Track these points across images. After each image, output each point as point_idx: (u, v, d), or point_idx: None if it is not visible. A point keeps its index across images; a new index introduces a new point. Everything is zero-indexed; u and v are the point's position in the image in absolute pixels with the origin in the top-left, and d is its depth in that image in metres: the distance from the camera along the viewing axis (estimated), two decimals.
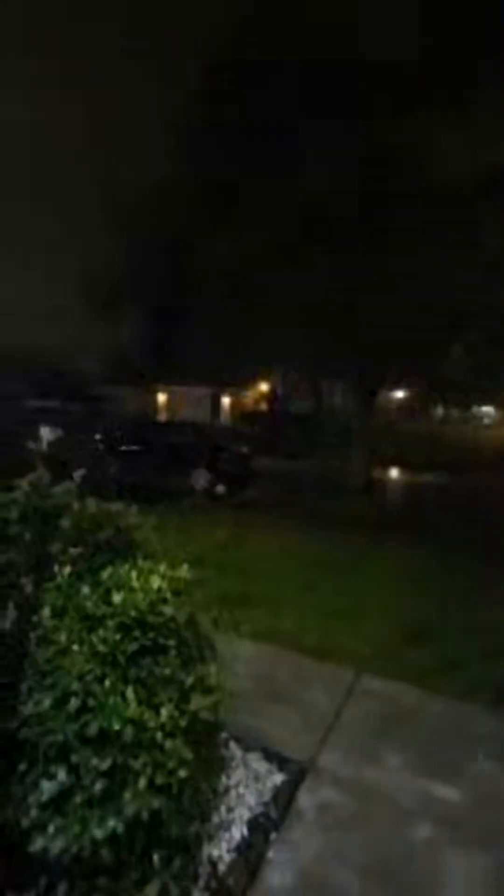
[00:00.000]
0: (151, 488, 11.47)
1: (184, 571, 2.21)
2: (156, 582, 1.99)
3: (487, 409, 53.21)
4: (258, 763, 2.51)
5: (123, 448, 13.19)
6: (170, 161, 13.19)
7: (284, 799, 2.30)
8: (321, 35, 8.79)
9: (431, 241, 8.67)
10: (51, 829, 1.47)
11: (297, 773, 2.47)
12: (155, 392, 30.35)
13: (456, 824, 2.20)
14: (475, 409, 51.26)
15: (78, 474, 2.83)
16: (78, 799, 1.47)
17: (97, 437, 13.94)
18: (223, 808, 2.18)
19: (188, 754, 1.58)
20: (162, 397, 30.90)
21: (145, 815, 1.48)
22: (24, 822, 1.48)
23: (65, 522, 2.46)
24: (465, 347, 12.52)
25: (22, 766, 1.55)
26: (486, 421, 52.78)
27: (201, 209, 11.55)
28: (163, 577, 2.08)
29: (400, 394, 33.48)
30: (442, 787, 2.40)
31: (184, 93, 12.17)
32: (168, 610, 1.91)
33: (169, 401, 30.63)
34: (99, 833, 1.45)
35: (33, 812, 1.48)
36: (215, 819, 2.12)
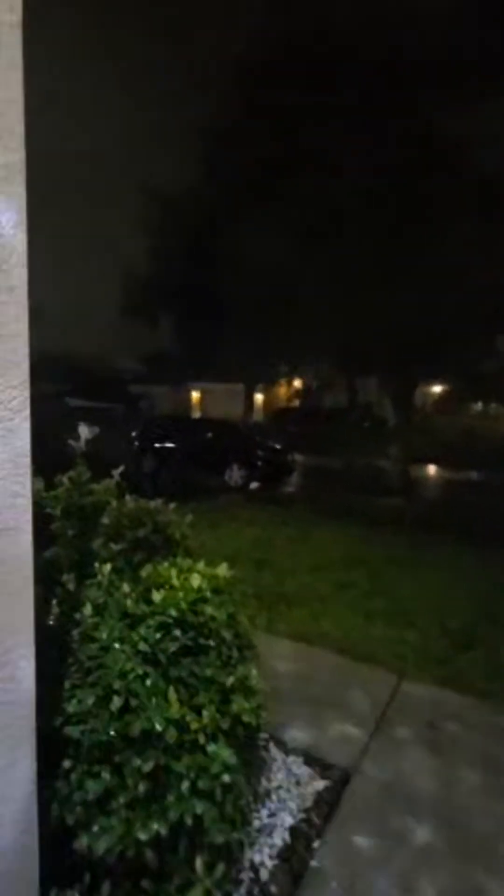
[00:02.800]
0: (187, 484, 11.60)
1: (223, 570, 2.17)
2: (196, 580, 1.96)
3: None
4: (299, 767, 2.45)
5: (159, 445, 13.38)
6: (202, 165, 13.27)
7: (326, 806, 2.24)
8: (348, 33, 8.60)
9: (470, 237, 8.34)
10: (95, 828, 1.46)
11: (340, 779, 2.40)
12: (189, 390, 30.68)
13: None
14: None
15: (117, 472, 2.82)
16: (121, 800, 1.45)
17: (134, 434, 14.19)
18: (265, 813, 2.14)
19: (232, 759, 1.54)
20: (196, 395, 31.20)
21: (188, 820, 1.45)
22: (70, 820, 1.48)
23: (105, 519, 2.47)
24: (498, 341, 12.04)
25: (66, 764, 1.54)
26: None
27: (235, 210, 11.54)
28: (203, 575, 2.04)
29: (437, 388, 32.58)
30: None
31: (214, 97, 12.23)
32: (208, 609, 1.88)
33: (203, 398, 30.88)
34: (143, 835, 1.43)
35: (78, 810, 1.48)
36: (256, 823, 2.08)
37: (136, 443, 13.89)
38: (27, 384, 1.39)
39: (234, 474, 12.01)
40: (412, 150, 8.52)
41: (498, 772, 2.48)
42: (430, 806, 2.25)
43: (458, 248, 8.45)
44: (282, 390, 33.62)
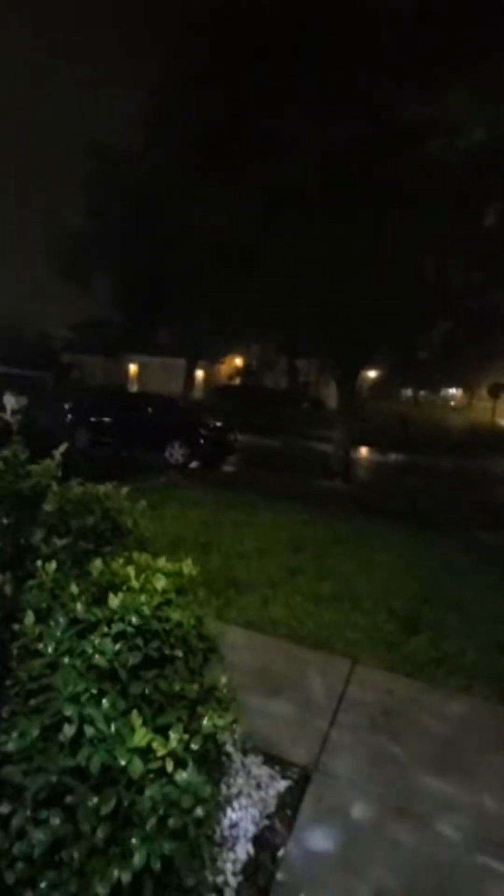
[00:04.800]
0: (124, 462, 11.05)
1: (188, 566, 1.94)
2: (160, 581, 1.72)
3: (454, 392, 54.49)
4: (259, 768, 2.32)
5: (95, 419, 12.62)
6: (148, 122, 12.31)
7: (289, 809, 2.13)
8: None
9: (423, 227, 8.39)
10: (42, 885, 1.21)
11: (301, 778, 2.30)
12: (126, 362, 29.35)
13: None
14: (442, 391, 52.41)
15: (59, 450, 2.45)
16: (76, 850, 1.22)
17: (66, 407, 13.28)
18: (226, 824, 1.99)
19: (205, 790, 1.34)
20: (133, 367, 29.93)
21: (156, 864, 1.25)
22: (9, 878, 1.22)
23: (47, 507, 2.14)
24: (437, 330, 12.46)
25: (4, 810, 1.27)
26: (452, 403, 54.08)
27: (180, 172, 10.85)
28: (167, 574, 1.80)
29: (371, 373, 33.64)
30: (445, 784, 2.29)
31: (166, 51, 11.28)
32: (174, 614, 1.65)
33: (140, 371, 29.70)
34: (101, 889, 1.21)
35: (20, 866, 1.22)
36: (217, 836, 1.92)
37: (69, 416, 13.03)
38: None
39: (176, 452, 11.62)
40: (371, 129, 8.33)
41: (454, 760, 2.50)
42: (393, 800, 2.21)
43: (410, 236, 8.47)
44: (222, 368, 33.15)
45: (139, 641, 1.57)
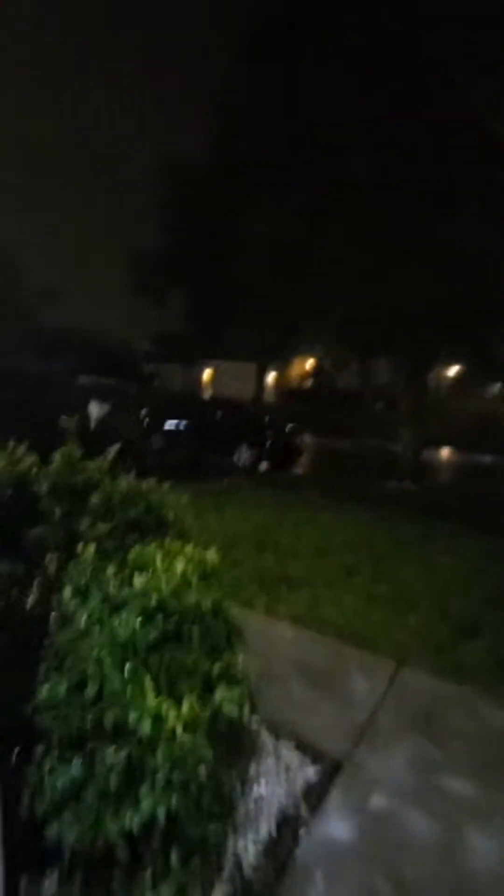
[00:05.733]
0: (195, 464, 11.54)
1: (212, 554, 2.08)
2: (180, 565, 1.88)
3: None
4: (290, 754, 2.40)
5: (168, 424, 13.31)
6: (209, 137, 12.82)
7: (315, 794, 2.19)
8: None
9: (487, 209, 7.92)
10: (66, 817, 1.41)
11: (331, 767, 2.35)
12: (201, 368, 30.47)
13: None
14: None
15: (112, 449, 2.75)
16: (91, 791, 1.40)
17: (143, 413, 14.13)
18: (250, 800, 2.09)
19: (208, 752, 1.47)
20: (207, 373, 30.98)
21: (161, 814, 1.39)
22: (40, 809, 1.43)
23: (94, 498, 2.40)
24: None
25: (38, 752, 1.49)
26: None
27: (245, 183, 11.15)
28: (189, 559, 1.96)
29: (452, 371, 31.90)
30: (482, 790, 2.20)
31: (225, 71, 11.72)
32: (192, 596, 1.80)
33: (214, 377, 30.67)
34: (113, 827, 1.38)
35: (47, 799, 1.43)
36: (241, 810, 2.04)
37: (146, 421, 13.85)
38: None
39: (243, 455, 11.91)
40: (430, 120, 8.06)
41: (491, 766, 2.40)
42: (420, 799, 2.18)
43: (477, 223, 8.05)
44: (294, 370, 33.19)
45: (158, 618, 1.74)
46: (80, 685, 1.55)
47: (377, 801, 2.16)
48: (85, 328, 24.69)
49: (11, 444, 2.54)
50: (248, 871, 1.79)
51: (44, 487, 2.37)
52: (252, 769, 2.24)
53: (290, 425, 13.51)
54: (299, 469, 12.45)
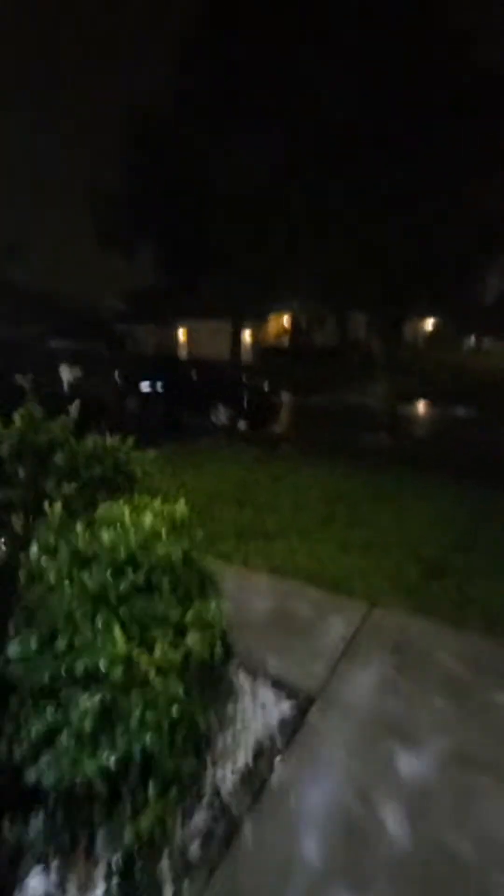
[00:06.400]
0: (172, 424, 11.45)
1: (181, 506, 2.09)
2: (148, 519, 1.88)
3: None
4: (266, 692, 2.51)
5: (143, 385, 13.07)
6: (182, 80, 11.91)
7: (290, 727, 2.31)
8: None
9: (467, 159, 7.65)
10: (42, 762, 1.46)
11: (305, 701, 2.47)
12: (175, 328, 29.69)
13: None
14: None
15: (74, 407, 2.69)
16: (66, 735, 1.44)
17: (116, 374, 13.81)
18: (228, 735, 2.20)
19: (179, 692, 1.52)
20: (182, 333, 30.24)
21: (136, 752, 1.45)
22: (17, 756, 1.47)
23: (58, 458, 2.35)
24: (500, 272, 11.48)
25: (13, 703, 1.52)
26: None
27: (217, 132, 10.50)
28: (157, 513, 1.96)
29: (429, 323, 31.85)
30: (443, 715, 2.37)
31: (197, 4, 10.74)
32: (160, 549, 1.81)
33: (189, 336, 29.97)
34: (90, 767, 1.43)
35: (24, 746, 1.47)
36: (220, 745, 2.15)
37: (120, 383, 13.56)
38: None
39: (220, 414, 11.85)
40: (404, 63, 7.61)
41: (459, 693, 2.57)
42: (389, 726, 2.33)
43: (452, 172, 7.81)
44: (270, 328, 32.64)
45: (129, 571, 1.75)
46: (52, 638, 1.57)
47: (348, 727, 2.29)
48: (53, 290, 23.64)
49: None
50: (226, 797, 1.90)
51: (4, 448, 2.31)
52: (230, 708, 2.34)
53: (266, 382, 13.41)
54: (277, 426, 12.47)
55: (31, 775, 1.45)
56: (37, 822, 1.57)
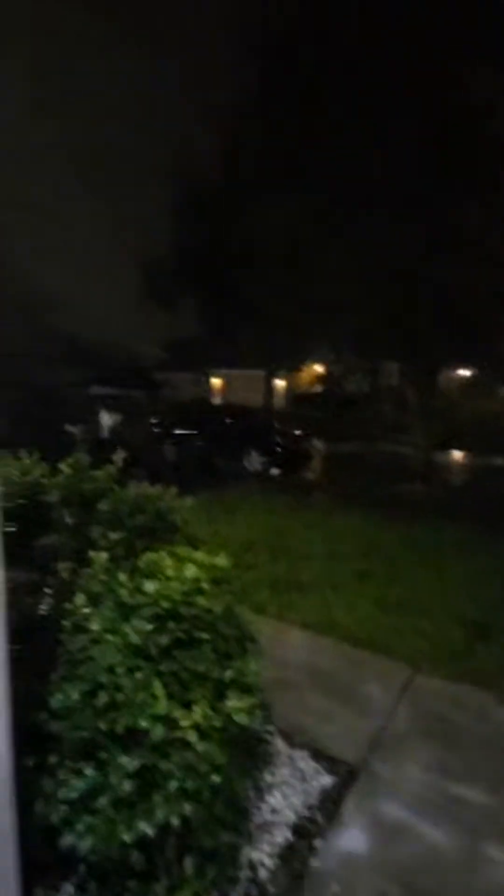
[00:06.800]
0: (206, 471, 11.57)
1: (222, 559, 2.08)
2: (191, 571, 1.88)
3: None
4: (305, 762, 2.37)
5: (179, 432, 13.37)
6: (216, 147, 12.98)
7: (331, 803, 2.16)
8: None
9: (492, 211, 7.88)
10: (79, 827, 1.41)
11: (347, 775, 2.32)
12: (211, 376, 30.62)
13: None
14: None
15: (118, 456, 2.78)
16: (105, 799, 1.40)
17: (153, 421, 14.22)
18: (266, 809, 2.07)
19: (222, 758, 1.46)
20: (217, 381, 31.11)
21: (175, 821, 1.39)
22: (54, 818, 1.43)
23: (103, 506, 2.41)
24: None
25: (52, 760, 1.49)
26: None
27: (251, 192, 11.24)
28: (199, 565, 1.96)
29: (464, 373, 31.62)
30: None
31: (234, 78, 11.87)
32: (203, 601, 1.80)
33: (224, 384, 30.78)
34: (127, 836, 1.37)
35: (62, 808, 1.43)
36: (258, 820, 2.02)
37: (157, 430, 13.93)
38: None
39: (254, 461, 11.92)
40: (439, 122, 8.06)
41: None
42: (437, 806, 2.14)
43: (486, 223, 8.01)
44: (303, 376, 33.15)
45: (170, 624, 1.74)
46: (93, 692, 1.55)
47: (392, 809, 2.12)
48: (95, 338, 24.93)
49: (23, 454, 2.57)
50: (263, 879, 1.77)
51: (54, 495, 2.39)
52: (267, 778, 2.22)
53: (299, 430, 13.50)
54: (310, 474, 12.41)
55: (67, 839, 1.40)
56: (68, 889, 1.50)
